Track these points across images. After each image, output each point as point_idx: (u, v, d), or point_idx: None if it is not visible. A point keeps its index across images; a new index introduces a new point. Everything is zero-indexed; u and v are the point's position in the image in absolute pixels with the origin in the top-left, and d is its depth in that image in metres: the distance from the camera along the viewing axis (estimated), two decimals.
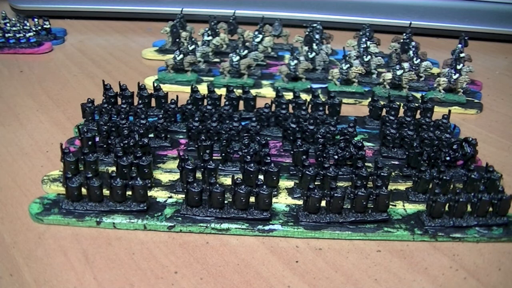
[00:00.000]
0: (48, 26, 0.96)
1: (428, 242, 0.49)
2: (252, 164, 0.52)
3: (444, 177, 0.52)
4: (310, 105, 0.67)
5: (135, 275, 0.44)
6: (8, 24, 0.92)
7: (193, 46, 0.82)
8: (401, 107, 0.67)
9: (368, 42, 0.82)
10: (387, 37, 0.95)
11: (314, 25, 0.88)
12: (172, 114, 0.64)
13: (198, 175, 0.53)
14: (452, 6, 1.09)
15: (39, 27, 0.95)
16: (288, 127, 0.61)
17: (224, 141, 0.57)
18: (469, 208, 0.50)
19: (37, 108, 0.72)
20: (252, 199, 0.49)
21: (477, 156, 0.58)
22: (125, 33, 1.05)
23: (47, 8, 1.08)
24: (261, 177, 0.52)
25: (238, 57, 0.77)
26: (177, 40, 0.89)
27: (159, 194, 0.52)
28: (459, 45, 0.78)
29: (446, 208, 0.50)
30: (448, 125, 0.63)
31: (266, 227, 0.49)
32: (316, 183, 0.52)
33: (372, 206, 0.50)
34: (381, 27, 1.05)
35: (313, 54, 0.82)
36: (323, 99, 0.67)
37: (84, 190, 0.49)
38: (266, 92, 0.77)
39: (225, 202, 0.49)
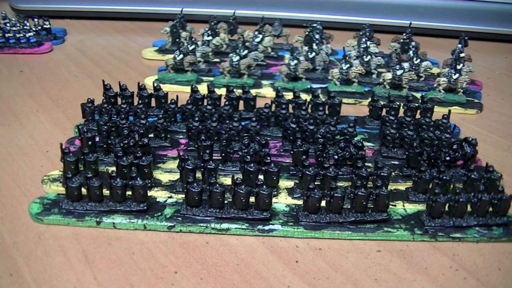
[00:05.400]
0: (48, 26, 0.96)
1: (428, 242, 0.49)
2: (252, 164, 0.52)
3: (444, 177, 0.52)
4: (310, 105, 0.67)
5: (135, 275, 0.44)
6: (8, 24, 0.92)
7: (193, 46, 0.82)
8: (401, 107, 0.67)
9: (368, 42, 0.82)
10: (387, 37, 0.95)
11: (314, 25, 0.88)
12: (172, 114, 0.64)
13: (198, 175, 0.53)
14: (452, 6, 1.09)
15: (39, 27, 0.95)
16: (288, 127, 0.61)
17: (224, 141, 0.57)
18: (469, 208, 0.50)
19: (37, 108, 0.72)
20: (252, 199, 0.49)
21: (477, 156, 0.58)
22: (125, 33, 1.05)
23: (47, 8, 1.08)
24: (261, 177, 0.52)
25: (238, 57, 0.77)
26: (177, 40, 0.89)
27: (159, 194, 0.52)
28: (459, 45, 0.78)
29: (446, 208, 0.50)
30: (448, 125, 0.63)
31: (266, 227, 0.49)
32: (316, 183, 0.52)
33: (372, 206, 0.50)
34: (381, 27, 1.05)
35: (313, 54, 0.82)
36: (323, 99, 0.67)
37: (84, 190, 0.49)
38: (266, 92, 0.77)
39: (225, 202, 0.49)
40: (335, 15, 1.08)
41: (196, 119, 0.60)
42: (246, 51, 0.78)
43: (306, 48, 0.83)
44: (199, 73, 0.81)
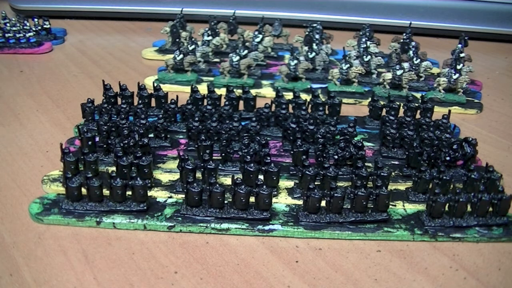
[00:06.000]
0: (48, 26, 0.96)
1: (428, 242, 0.49)
2: (252, 164, 0.52)
3: (444, 177, 0.52)
4: (310, 105, 0.67)
5: (135, 275, 0.44)
6: (8, 24, 0.92)
7: (193, 46, 0.82)
8: (401, 107, 0.67)
9: (368, 42, 0.82)
10: (387, 37, 0.95)
11: (314, 25, 0.88)
12: (172, 114, 0.64)
13: (198, 175, 0.53)
14: (452, 6, 1.09)
15: (39, 27, 0.95)
16: (288, 127, 0.61)
17: (224, 141, 0.57)
18: (469, 208, 0.50)
19: (37, 108, 0.72)
20: (252, 199, 0.49)
21: (477, 156, 0.58)
22: (125, 33, 1.05)
23: (47, 8, 1.09)
24: (261, 177, 0.52)
25: (238, 57, 0.77)
26: (177, 40, 0.89)
27: (159, 194, 0.52)
28: (459, 45, 0.78)
29: (446, 208, 0.50)
30: (448, 125, 0.63)
31: (266, 227, 0.49)
32: (316, 183, 0.52)
33: (372, 206, 0.50)
34: (381, 27, 1.05)
35: (313, 54, 0.82)
36: (323, 99, 0.67)
37: (84, 190, 0.49)
38: (266, 92, 0.77)
39: (225, 202, 0.49)
40: (335, 15, 1.09)
41: (196, 119, 0.60)
42: (246, 51, 0.78)
43: (306, 48, 0.83)
44: (199, 73, 0.81)
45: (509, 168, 0.61)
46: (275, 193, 0.53)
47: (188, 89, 0.74)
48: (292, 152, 0.56)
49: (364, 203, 0.49)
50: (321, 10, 1.09)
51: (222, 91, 0.70)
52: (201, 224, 0.48)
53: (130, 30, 1.07)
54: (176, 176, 0.55)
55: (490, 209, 0.50)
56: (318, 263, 0.46)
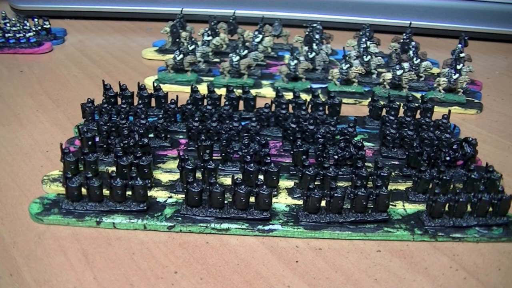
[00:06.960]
0: (48, 26, 0.96)
1: (428, 242, 0.49)
2: (252, 164, 0.52)
3: (444, 177, 0.52)
4: (310, 105, 0.67)
5: (135, 275, 0.44)
6: (8, 24, 0.92)
7: (193, 46, 0.82)
8: (401, 107, 0.67)
9: (368, 42, 0.83)
10: (387, 37, 0.95)
11: (314, 25, 0.88)
12: (172, 114, 0.64)
13: (198, 175, 0.53)
14: (452, 6, 1.09)
15: (39, 27, 0.95)
16: (288, 127, 0.61)
17: (224, 141, 0.57)
18: (469, 208, 0.50)
19: (37, 108, 0.72)
20: (252, 199, 0.49)
21: (477, 156, 0.58)
22: (125, 33, 1.05)
23: (47, 8, 1.09)
24: (261, 177, 0.52)
25: (238, 57, 0.77)
26: (177, 40, 0.89)
27: (159, 194, 0.52)
28: (459, 45, 0.78)
29: (446, 208, 0.50)
30: (448, 125, 0.63)
31: (266, 227, 0.49)
32: (316, 183, 0.52)
33: (372, 206, 0.50)
34: (381, 27, 1.05)
35: (313, 54, 0.82)
36: (323, 99, 0.67)
37: (84, 190, 0.49)
38: (266, 92, 0.77)
39: (225, 202, 0.49)
40: (335, 15, 1.09)
41: (196, 119, 0.61)
42: (246, 51, 0.78)
43: (306, 48, 0.83)
44: (199, 73, 0.81)
45: (509, 168, 0.61)
46: (275, 193, 0.53)
47: (188, 89, 0.74)
48: (292, 152, 0.56)
49: (364, 203, 0.49)
50: (321, 10, 1.09)
51: (222, 91, 0.70)
52: (201, 224, 0.48)
53: (130, 30, 1.07)
54: (176, 176, 0.55)
55: (490, 209, 0.50)
56: (318, 263, 0.46)
